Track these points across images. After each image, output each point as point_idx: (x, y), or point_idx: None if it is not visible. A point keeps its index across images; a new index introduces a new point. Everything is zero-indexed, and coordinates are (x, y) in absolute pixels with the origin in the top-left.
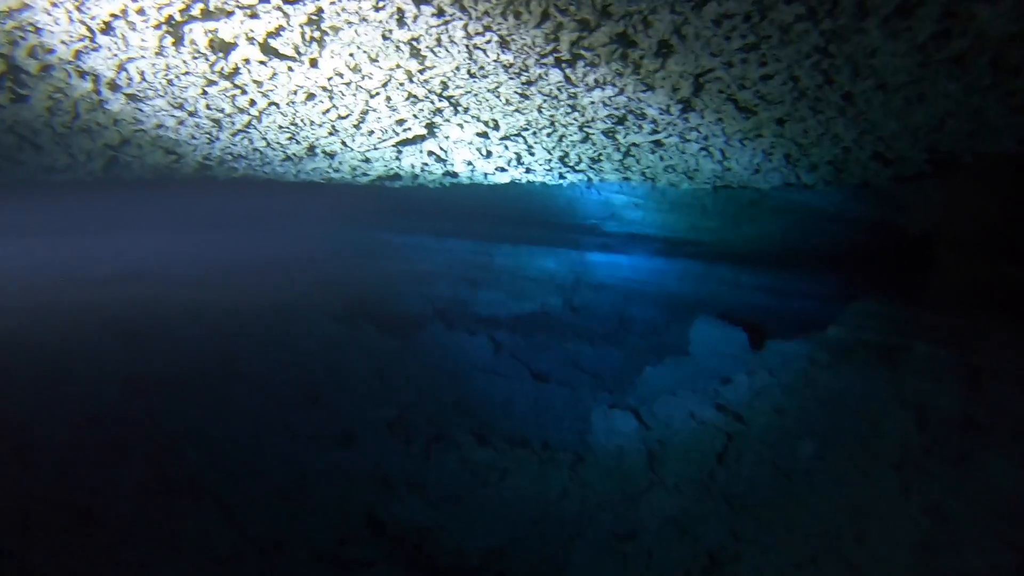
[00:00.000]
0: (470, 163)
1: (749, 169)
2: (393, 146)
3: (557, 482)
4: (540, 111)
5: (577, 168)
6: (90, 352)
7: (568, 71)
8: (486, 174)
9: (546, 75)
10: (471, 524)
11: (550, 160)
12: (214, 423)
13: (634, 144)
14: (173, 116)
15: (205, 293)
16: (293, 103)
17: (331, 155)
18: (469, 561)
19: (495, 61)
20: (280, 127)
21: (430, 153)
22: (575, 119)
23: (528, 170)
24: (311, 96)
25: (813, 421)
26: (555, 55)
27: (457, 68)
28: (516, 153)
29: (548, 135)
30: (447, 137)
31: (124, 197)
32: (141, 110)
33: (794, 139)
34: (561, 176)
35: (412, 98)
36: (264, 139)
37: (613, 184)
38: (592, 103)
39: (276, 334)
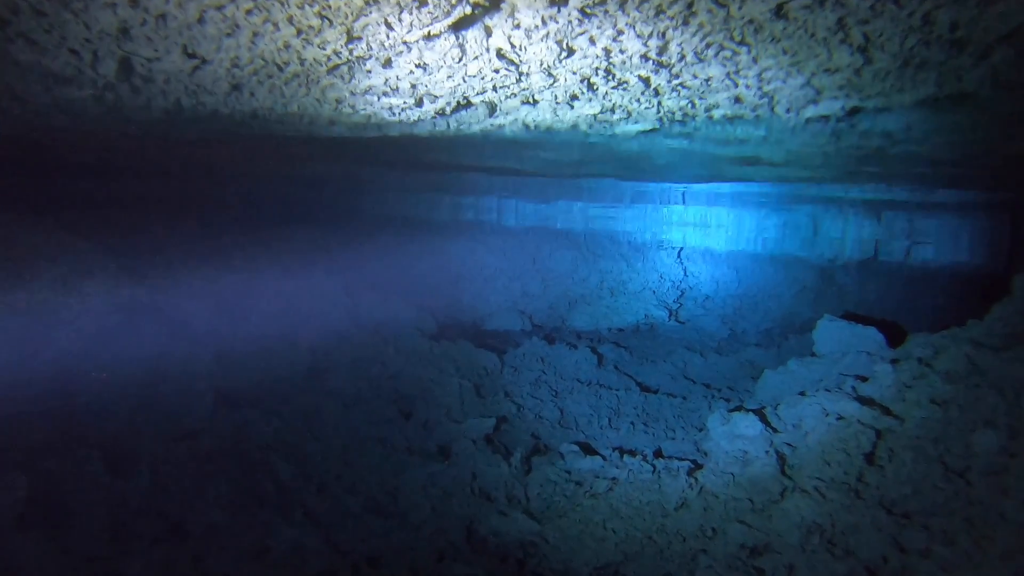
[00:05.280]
0: (548, 69)
1: (897, 60)
2: (450, 28)
3: (674, 491)
4: None
5: (679, 77)
6: (183, 366)
7: None
8: (572, 98)
9: None
10: (579, 538)
11: (646, 60)
12: (305, 438)
13: (751, 22)
14: None
15: (295, 310)
16: None
17: (383, 60)
18: None
19: None
20: None
21: (499, 55)
22: None
23: (619, 84)
24: None
25: (990, 410)
26: None
27: None
28: (604, 49)
29: (639, 5)
30: (513, 19)
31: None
32: None
33: None
34: (658, 99)
35: None
36: (291, 21)
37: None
38: None
39: (368, 351)
